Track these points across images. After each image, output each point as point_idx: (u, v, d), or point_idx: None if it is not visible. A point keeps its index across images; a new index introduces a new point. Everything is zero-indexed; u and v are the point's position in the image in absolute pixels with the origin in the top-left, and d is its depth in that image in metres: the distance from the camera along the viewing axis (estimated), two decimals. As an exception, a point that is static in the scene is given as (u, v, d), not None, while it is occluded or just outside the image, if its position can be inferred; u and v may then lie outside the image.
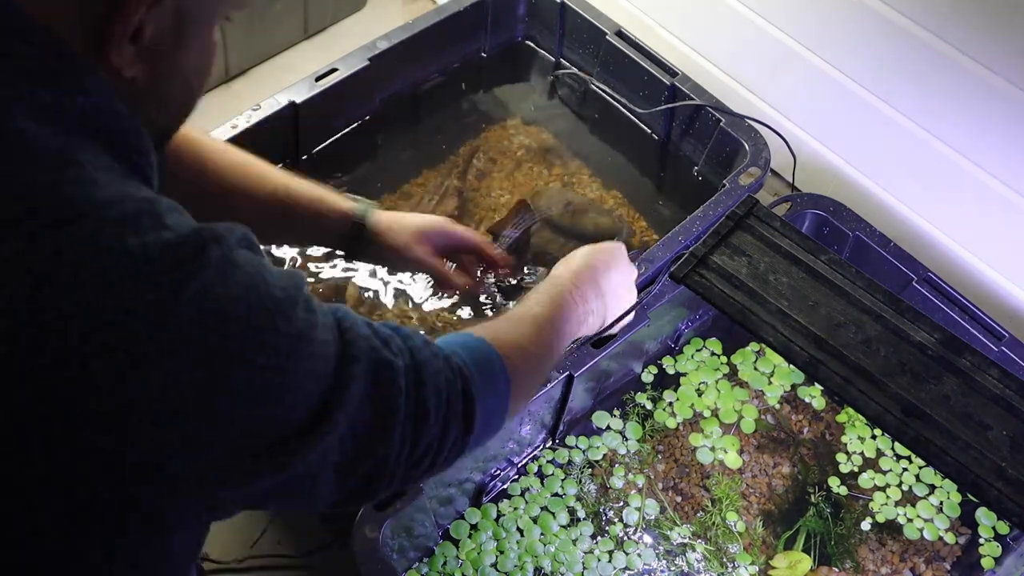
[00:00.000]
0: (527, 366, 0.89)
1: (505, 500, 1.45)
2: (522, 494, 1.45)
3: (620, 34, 1.80)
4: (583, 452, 1.50)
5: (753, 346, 1.63)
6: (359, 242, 1.28)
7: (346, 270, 1.64)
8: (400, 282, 1.64)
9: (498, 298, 1.59)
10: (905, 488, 1.50)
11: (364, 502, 0.73)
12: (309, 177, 1.77)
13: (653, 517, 1.45)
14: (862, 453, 1.53)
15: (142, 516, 0.62)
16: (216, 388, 0.58)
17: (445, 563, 1.38)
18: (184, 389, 0.58)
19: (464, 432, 0.78)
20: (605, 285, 1.14)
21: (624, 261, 1.18)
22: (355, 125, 1.81)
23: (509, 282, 1.58)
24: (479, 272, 1.47)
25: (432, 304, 1.62)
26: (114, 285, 0.55)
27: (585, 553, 1.41)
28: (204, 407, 0.59)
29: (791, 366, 1.58)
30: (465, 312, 1.61)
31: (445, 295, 1.62)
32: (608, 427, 1.53)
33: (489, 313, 1.60)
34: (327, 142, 1.78)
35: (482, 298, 1.59)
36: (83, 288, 0.55)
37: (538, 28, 1.96)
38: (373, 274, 1.64)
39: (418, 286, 1.64)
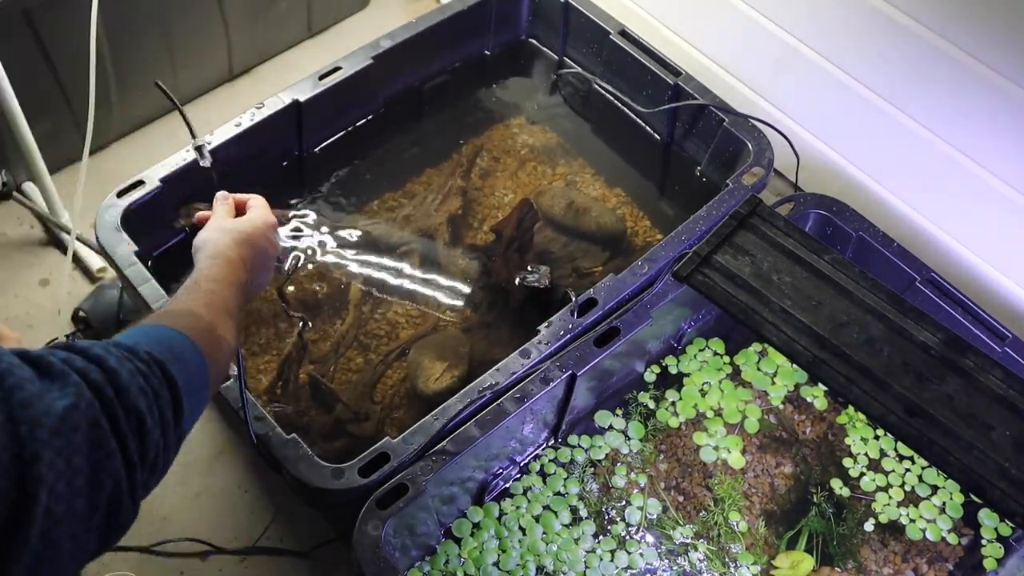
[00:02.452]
0: (216, 338, 0.88)
1: (507, 499, 1.45)
2: (524, 493, 1.45)
3: (624, 33, 1.80)
4: (585, 451, 1.50)
5: (756, 346, 1.63)
6: None
7: (349, 271, 1.64)
8: (404, 282, 1.65)
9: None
10: (908, 488, 1.50)
11: (117, 538, 0.67)
12: (311, 176, 1.78)
13: (655, 516, 1.45)
14: (866, 454, 1.53)
15: None
16: None
17: (447, 561, 1.38)
18: None
19: (175, 417, 0.75)
20: (260, 259, 1.11)
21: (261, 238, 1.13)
22: (358, 124, 1.81)
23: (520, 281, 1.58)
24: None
25: (436, 303, 1.63)
26: None
27: (587, 552, 1.41)
28: None
29: (794, 366, 1.58)
30: (470, 310, 1.62)
31: (450, 295, 1.63)
32: (610, 426, 1.53)
33: (481, 312, 1.61)
34: (330, 140, 1.78)
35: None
36: None
37: (542, 27, 1.96)
38: (376, 273, 1.65)
39: (422, 285, 1.64)
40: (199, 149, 1.37)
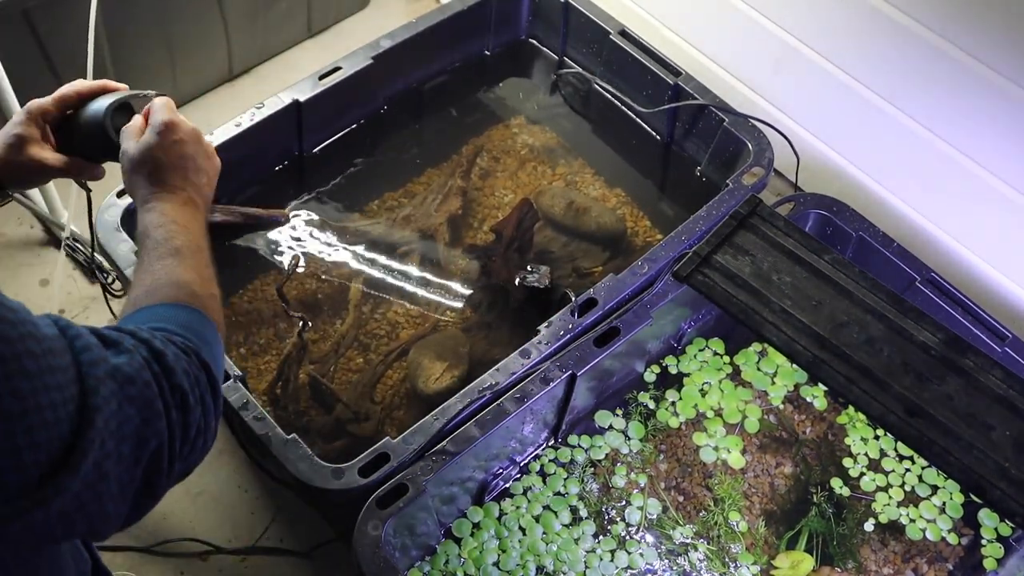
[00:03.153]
0: (211, 298, 0.89)
1: (507, 499, 1.45)
2: (524, 493, 1.45)
3: (624, 33, 1.80)
4: (585, 451, 1.50)
5: (756, 346, 1.63)
6: None
7: (349, 271, 1.64)
8: (404, 282, 1.65)
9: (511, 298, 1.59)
10: (908, 488, 1.50)
11: (150, 505, 0.72)
12: (311, 176, 1.78)
13: (655, 516, 1.45)
14: (866, 454, 1.53)
15: None
16: None
17: (447, 561, 1.38)
18: None
19: (215, 400, 0.78)
20: (181, 165, 0.99)
21: (171, 133, 0.99)
22: (358, 124, 1.81)
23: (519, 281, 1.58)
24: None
25: (436, 303, 1.63)
26: None
27: (587, 552, 1.41)
28: None
29: (794, 366, 1.58)
30: (470, 310, 1.62)
31: (445, 294, 1.63)
32: (610, 426, 1.53)
33: (477, 312, 1.61)
34: (330, 140, 1.78)
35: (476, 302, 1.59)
36: None
37: (542, 27, 1.96)
38: (376, 273, 1.65)
39: (422, 285, 1.64)
40: None
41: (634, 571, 1.40)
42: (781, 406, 1.58)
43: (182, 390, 0.73)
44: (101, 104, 1.03)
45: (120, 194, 1.48)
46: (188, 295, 0.85)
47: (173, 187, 0.96)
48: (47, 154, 1.01)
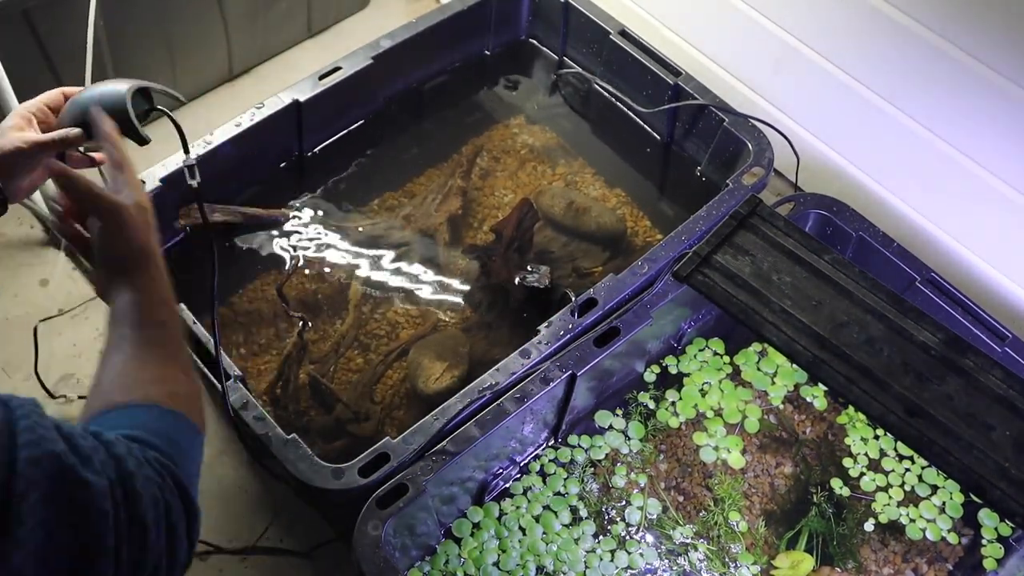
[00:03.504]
0: (190, 396, 0.81)
1: (507, 499, 1.45)
2: (524, 493, 1.45)
3: (624, 33, 1.80)
4: (585, 451, 1.50)
5: (756, 346, 1.63)
6: None
7: (349, 271, 1.64)
8: (404, 282, 1.65)
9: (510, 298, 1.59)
10: (908, 488, 1.50)
11: None
12: (311, 176, 1.78)
13: (655, 516, 1.45)
14: (866, 454, 1.53)
15: None
16: None
17: (447, 561, 1.38)
18: None
19: (189, 519, 0.70)
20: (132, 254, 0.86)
21: (118, 227, 0.86)
22: (358, 124, 1.81)
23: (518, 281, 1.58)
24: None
25: (436, 303, 1.63)
26: None
27: (587, 552, 1.41)
28: None
29: (794, 366, 1.58)
30: (470, 310, 1.62)
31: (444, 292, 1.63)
32: (610, 426, 1.53)
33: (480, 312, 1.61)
34: (330, 140, 1.78)
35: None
36: None
37: (542, 27, 1.96)
38: (376, 273, 1.65)
39: (422, 285, 1.64)
40: (191, 168, 1.26)
41: (634, 571, 1.40)
42: (781, 406, 1.58)
43: (143, 523, 0.64)
44: (119, 86, 1.05)
45: (120, 194, 1.48)
46: (168, 395, 0.77)
47: (140, 283, 0.84)
48: (34, 133, 0.97)
